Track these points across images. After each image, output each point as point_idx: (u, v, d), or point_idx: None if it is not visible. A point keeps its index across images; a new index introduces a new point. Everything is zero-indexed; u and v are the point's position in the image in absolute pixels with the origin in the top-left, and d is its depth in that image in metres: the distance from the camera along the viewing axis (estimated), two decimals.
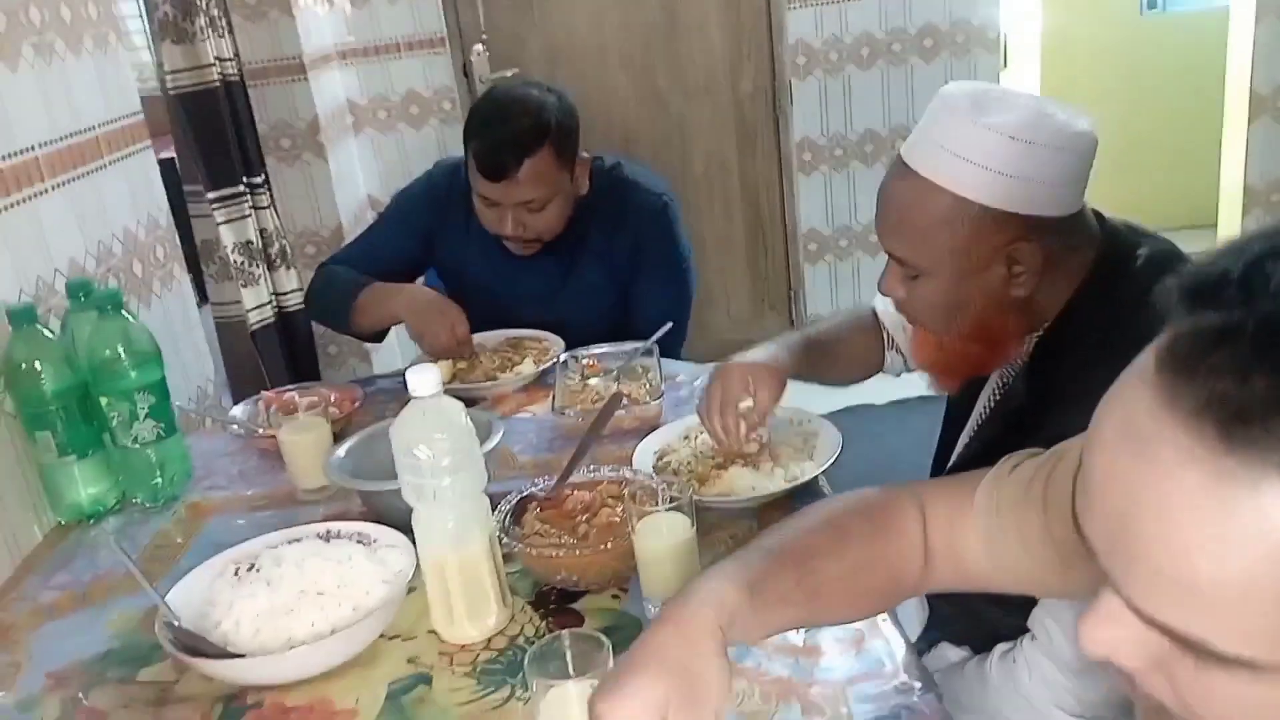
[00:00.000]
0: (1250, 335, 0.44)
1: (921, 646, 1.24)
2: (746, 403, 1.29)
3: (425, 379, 1.02)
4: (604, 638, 0.85)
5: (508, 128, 1.73)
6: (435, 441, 1.02)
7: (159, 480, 1.48)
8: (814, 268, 3.94)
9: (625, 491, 1.13)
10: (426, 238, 1.97)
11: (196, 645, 1.03)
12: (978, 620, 1.16)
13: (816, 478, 1.29)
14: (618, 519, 1.16)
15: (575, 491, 1.23)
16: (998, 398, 1.21)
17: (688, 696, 0.73)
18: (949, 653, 1.19)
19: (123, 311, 1.42)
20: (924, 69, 3.58)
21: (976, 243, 1.05)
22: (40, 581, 1.33)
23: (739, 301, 4.02)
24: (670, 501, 1.08)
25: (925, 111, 1.10)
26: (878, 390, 3.12)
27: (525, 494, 1.23)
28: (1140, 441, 0.48)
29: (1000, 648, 1.12)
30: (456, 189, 1.91)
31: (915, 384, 1.54)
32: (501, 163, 1.73)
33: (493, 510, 1.12)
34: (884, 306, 1.46)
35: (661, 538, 1.07)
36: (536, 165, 1.74)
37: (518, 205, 1.78)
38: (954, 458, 1.31)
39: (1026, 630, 1.10)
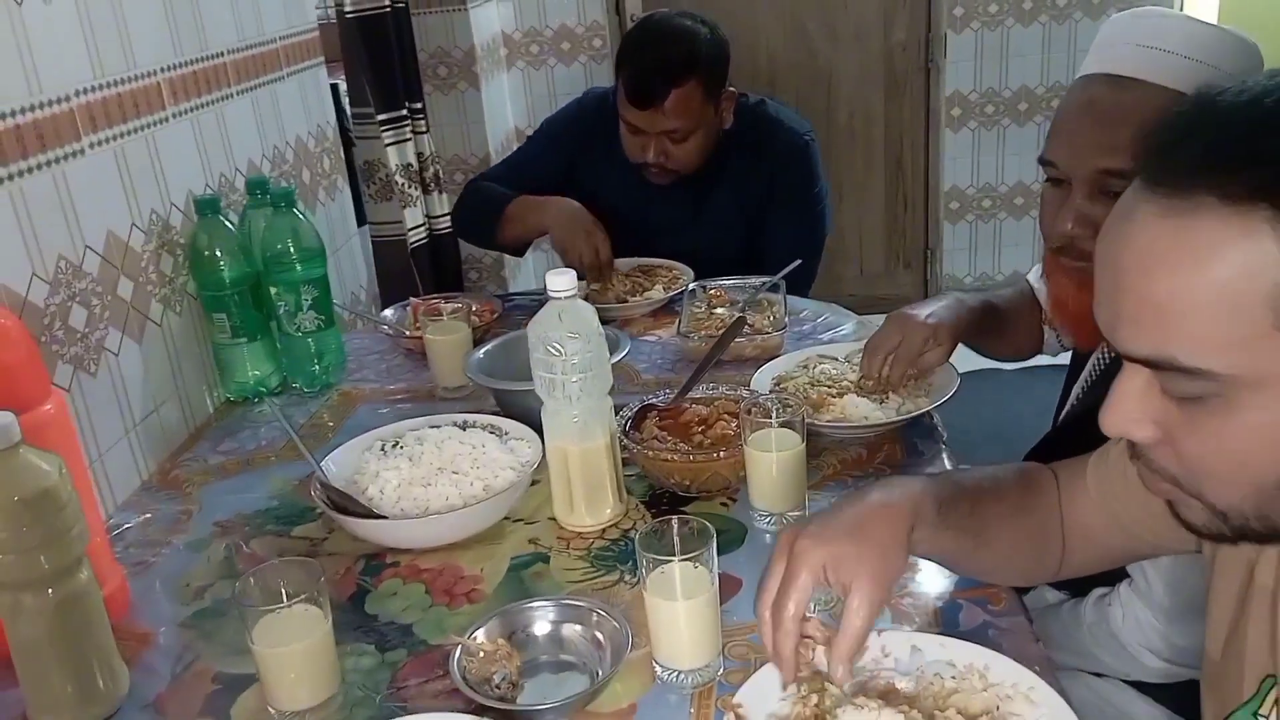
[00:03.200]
0: (1184, 112, 0.60)
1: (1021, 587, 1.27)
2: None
3: (564, 280, 1.10)
4: (709, 525, 0.91)
5: (658, 56, 1.78)
6: (568, 340, 1.10)
7: (316, 368, 1.61)
8: (954, 227, 3.88)
9: (741, 405, 1.19)
10: (570, 161, 2.04)
11: (346, 505, 1.15)
12: None
13: (930, 413, 1.32)
14: (732, 432, 1.23)
15: (693, 405, 1.30)
16: (1110, 357, 1.21)
17: (875, 567, 0.80)
18: (1048, 594, 1.22)
19: (294, 210, 1.54)
20: (1089, 26, 3.45)
21: None
22: (210, 447, 1.48)
23: (873, 256, 4.00)
24: (783, 418, 1.13)
25: (1098, 38, 1.10)
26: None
27: (646, 403, 1.31)
28: (1120, 215, 0.63)
29: (1097, 591, 1.14)
30: (604, 116, 1.97)
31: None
32: (649, 90, 1.78)
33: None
34: (1037, 281, 1.46)
35: (772, 451, 1.13)
36: (683, 95, 1.79)
37: (661, 134, 1.84)
38: (1061, 417, 1.32)
39: (1123, 578, 1.11)
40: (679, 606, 0.90)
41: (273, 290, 1.56)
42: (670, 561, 0.91)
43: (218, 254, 1.52)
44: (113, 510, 1.30)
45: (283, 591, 0.92)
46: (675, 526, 0.93)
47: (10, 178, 1.15)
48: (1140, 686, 1.12)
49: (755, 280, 1.75)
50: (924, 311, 1.34)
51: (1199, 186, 0.57)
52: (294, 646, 0.91)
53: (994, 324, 1.40)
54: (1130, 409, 0.63)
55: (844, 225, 3.75)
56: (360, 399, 1.60)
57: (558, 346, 1.11)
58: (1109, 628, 1.10)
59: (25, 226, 1.17)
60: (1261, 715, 0.73)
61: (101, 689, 0.94)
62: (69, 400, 1.21)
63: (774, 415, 1.13)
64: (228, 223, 1.53)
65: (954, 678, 0.84)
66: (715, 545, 0.91)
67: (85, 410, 1.27)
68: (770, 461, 1.13)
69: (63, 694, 0.92)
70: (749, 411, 1.15)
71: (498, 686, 0.92)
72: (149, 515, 1.30)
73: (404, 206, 2.98)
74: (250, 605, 0.91)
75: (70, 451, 1.01)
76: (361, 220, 2.90)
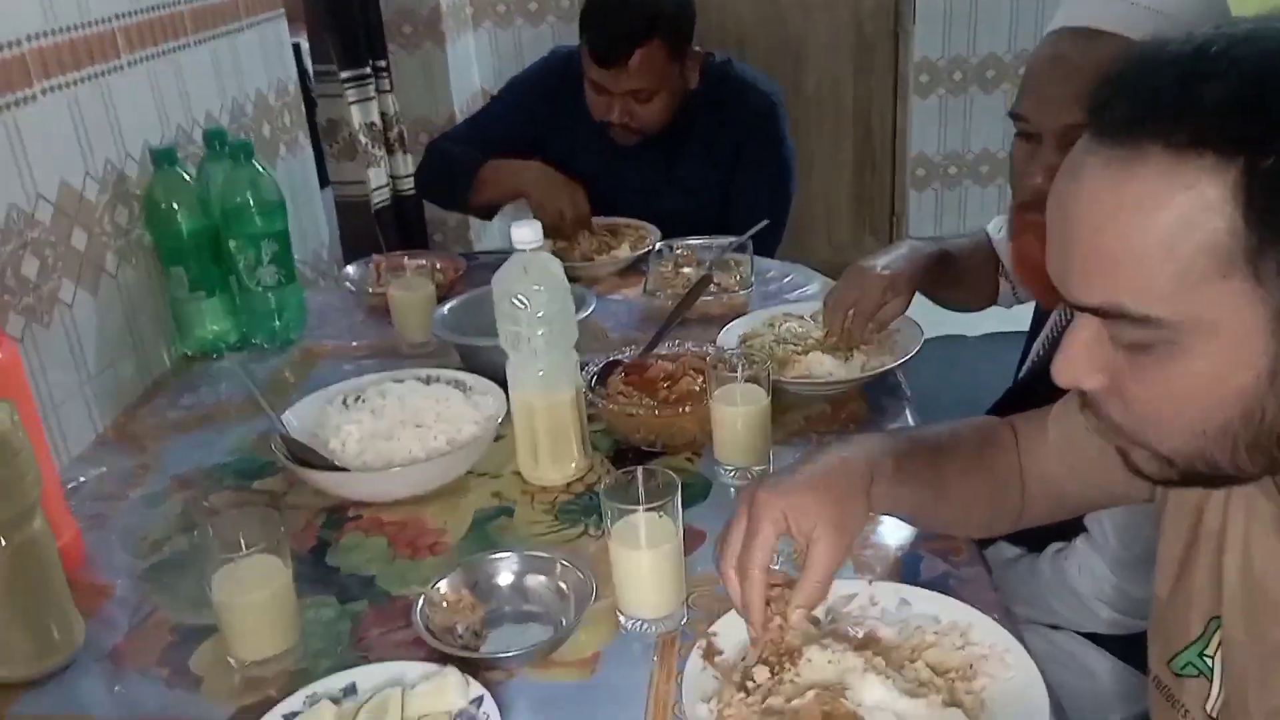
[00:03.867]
0: (1130, 63, 0.60)
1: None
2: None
3: (529, 233, 1.09)
4: (675, 476, 0.91)
5: (623, 15, 1.76)
6: (534, 293, 1.09)
7: (277, 323, 1.59)
8: (920, 194, 3.89)
9: (706, 361, 1.19)
10: (536, 122, 2.02)
11: (307, 458, 1.13)
12: None
13: (894, 370, 1.33)
14: (697, 388, 1.23)
15: (659, 361, 1.30)
16: (1069, 315, 1.21)
17: (836, 516, 0.81)
18: (1005, 549, 1.23)
19: (253, 162, 1.51)
20: None
21: None
22: (168, 402, 1.46)
23: (840, 224, 4.00)
24: (748, 373, 1.13)
25: None
26: (970, 322, 3.11)
27: (612, 359, 1.31)
28: (1068, 167, 0.64)
29: (1053, 546, 1.16)
30: (571, 76, 1.95)
31: (1008, 318, 1.53)
32: (613, 49, 1.77)
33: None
34: (995, 231, 1.46)
35: (737, 405, 1.13)
36: (647, 55, 1.77)
37: (626, 94, 1.82)
38: (1022, 373, 1.33)
39: (1079, 533, 1.13)
40: (643, 555, 0.90)
41: (232, 244, 1.53)
42: (635, 511, 0.90)
43: (174, 206, 1.48)
44: (67, 464, 1.28)
45: (242, 541, 0.91)
46: (641, 477, 0.93)
47: None
48: (1095, 638, 1.14)
49: (722, 240, 1.75)
50: (880, 263, 1.34)
51: (1142, 136, 0.57)
52: (254, 596, 0.90)
53: (950, 273, 1.40)
54: (1080, 358, 0.65)
55: (812, 192, 3.75)
56: (322, 355, 1.58)
57: (523, 299, 1.10)
58: (1065, 581, 1.12)
59: None
60: (1207, 656, 0.74)
61: (56, 639, 0.93)
62: (21, 351, 1.18)
63: (739, 370, 1.13)
64: (185, 174, 1.50)
65: (935, 633, 0.85)
66: (680, 496, 0.91)
67: (39, 362, 1.24)
68: (736, 416, 1.13)
69: (17, 644, 0.91)
70: (715, 366, 1.15)
71: (460, 636, 0.92)
72: (104, 469, 1.28)
73: (367, 166, 2.95)
74: (209, 554, 0.90)
75: (23, 401, 0.99)
76: (324, 180, 2.86)
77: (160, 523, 1.17)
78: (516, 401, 1.16)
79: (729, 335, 1.42)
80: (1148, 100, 0.57)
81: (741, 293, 1.59)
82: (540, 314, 1.11)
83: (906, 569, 1.00)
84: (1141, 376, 0.62)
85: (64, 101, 1.31)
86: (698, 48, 1.87)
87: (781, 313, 1.49)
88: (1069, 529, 1.11)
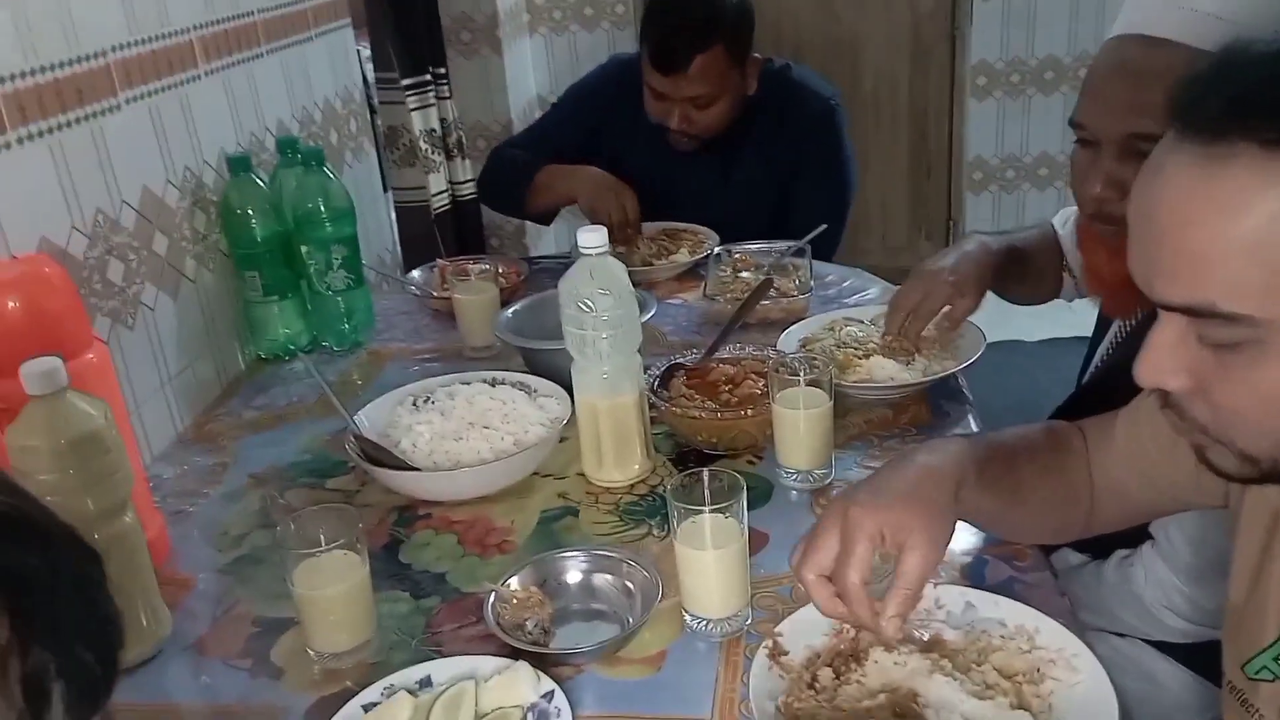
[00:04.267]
0: (1216, 62, 0.61)
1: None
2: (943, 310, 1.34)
3: (596, 237, 1.11)
4: (740, 478, 0.93)
5: (683, 21, 1.78)
6: (599, 297, 1.12)
7: (346, 326, 1.63)
8: (976, 198, 3.86)
9: (768, 364, 1.20)
10: (595, 129, 2.04)
11: (380, 457, 1.17)
12: None
13: (955, 375, 1.33)
14: (759, 391, 1.24)
15: (721, 365, 1.31)
16: (1133, 321, 1.20)
17: (931, 529, 0.81)
18: (1070, 556, 1.22)
19: (324, 169, 1.56)
20: None
21: None
22: (242, 402, 1.50)
23: (895, 227, 3.98)
24: (810, 376, 1.15)
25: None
26: (1029, 327, 3.08)
27: (674, 362, 1.32)
28: (1153, 166, 0.63)
29: (1119, 553, 1.15)
30: (628, 84, 1.97)
31: (1068, 323, 1.52)
32: (673, 56, 1.78)
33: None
34: (1061, 226, 1.45)
35: (799, 409, 1.14)
36: (707, 61, 1.79)
37: (685, 100, 1.84)
38: (1086, 377, 1.32)
39: (1146, 539, 1.12)
40: (709, 556, 0.92)
41: (303, 249, 1.57)
42: (701, 512, 0.92)
43: (249, 212, 1.53)
44: (150, 461, 1.33)
45: (321, 537, 0.94)
46: (706, 479, 0.94)
47: (50, 131, 1.16)
48: (1161, 646, 1.13)
49: (780, 244, 1.76)
50: (948, 264, 1.34)
51: (1233, 133, 0.57)
52: (332, 590, 0.93)
53: (1017, 268, 1.40)
54: (1165, 359, 0.64)
55: (867, 195, 3.73)
56: (389, 357, 1.62)
57: (589, 303, 1.12)
58: (1131, 588, 1.11)
59: (65, 180, 1.19)
60: None
61: (145, 628, 0.97)
62: (109, 351, 1.23)
63: (801, 374, 1.14)
64: (259, 181, 1.55)
65: (1002, 636, 0.86)
66: (745, 497, 0.92)
67: (124, 363, 1.29)
68: (797, 419, 1.14)
69: None
70: (777, 370, 1.16)
71: (530, 632, 0.94)
72: (185, 467, 1.32)
73: (427, 172, 2.99)
74: (290, 550, 0.94)
75: (113, 399, 1.03)
76: (385, 186, 2.91)
77: (239, 519, 1.21)
78: (581, 403, 1.18)
79: (789, 339, 1.43)
80: (1238, 98, 0.58)
81: (801, 297, 1.60)
82: (605, 317, 1.13)
83: (972, 573, 1.00)
84: (1229, 376, 0.62)
85: (145, 110, 1.36)
86: (756, 54, 1.88)
87: (842, 317, 1.49)
88: (1135, 536, 1.10)
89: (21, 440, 0.87)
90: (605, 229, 1.12)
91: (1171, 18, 1.03)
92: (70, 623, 0.38)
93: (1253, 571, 0.76)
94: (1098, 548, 1.18)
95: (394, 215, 3.20)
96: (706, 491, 0.94)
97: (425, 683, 0.88)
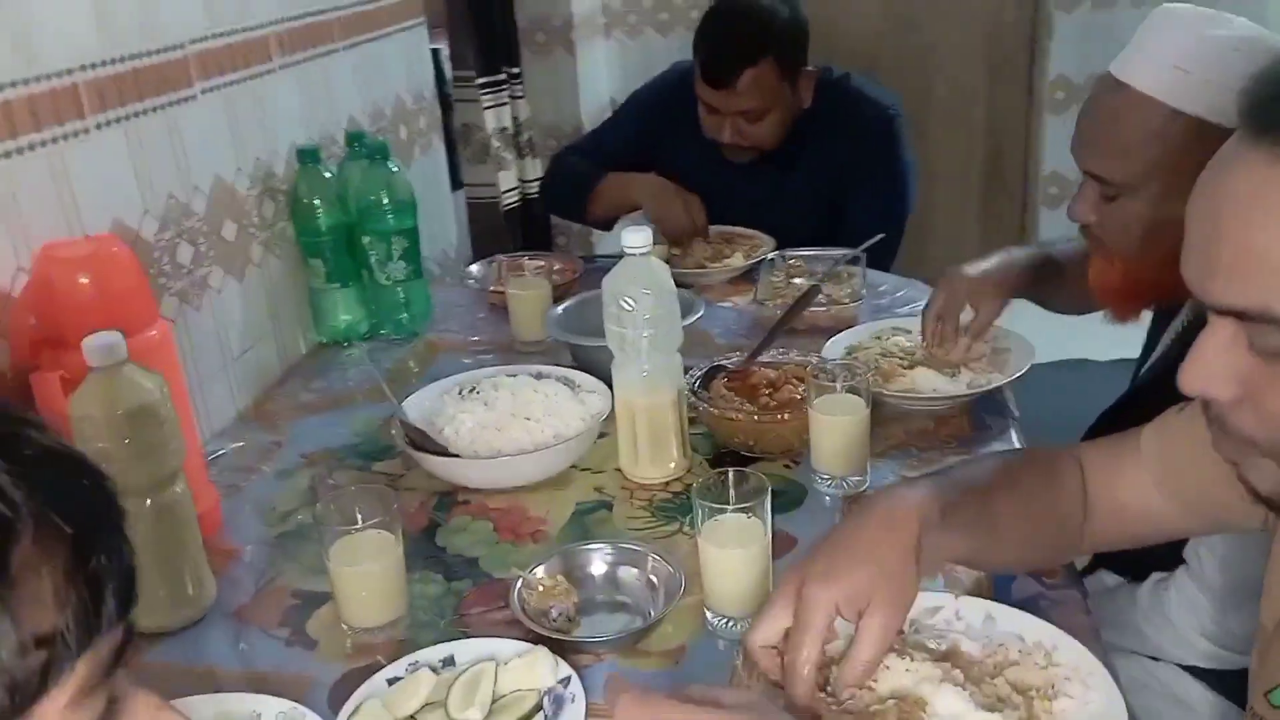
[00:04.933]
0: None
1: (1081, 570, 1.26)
2: (968, 315, 1.35)
3: (640, 237, 1.13)
4: (765, 479, 0.94)
5: (732, 36, 1.79)
6: (641, 296, 1.13)
7: (404, 316, 1.68)
8: (1052, 213, 3.78)
9: (808, 370, 1.21)
10: (653, 137, 2.06)
11: (423, 443, 1.20)
12: (1138, 551, 1.17)
13: (1001, 388, 1.32)
14: (798, 396, 1.25)
15: (763, 369, 1.32)
16: (1185, 323, 1.18)
17: (891, 593, 0.78)
18: (1106, 579, 1.21)
19: (388, 163, 1.60)
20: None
21: (1186, 158, 1.03)
22: (301, 385, 1.56)
23: (966, 241, 3.92)
24: (849, 383, 1.15)
25: (1140, 27, 1.09)
26: (1097, 348, 3.01)
27: (716, 363, 1.34)
28: (1218, 165, 0.61)
29: (1155, 576, 1.13)
30: (687, 92, 1.98)
31: (1138, 343, 1.49)
32: (722, 71, 1.80)
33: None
34: None
35: (836, 415, 1.15)
36: (757, 76, 1.80)
37: (736, 114, 1.85)
38: (1136, 381, 1.30)
39: (1180, 563, 1.11)
40: (731, 554, 0.93)
41: (365, 239, 1.62)
42: (725, 511, 0.93)
43: (316, 202, 1.58)
44: (209, 437, 1.39)
45: (358, 516, 0.97)
46: (732, 479, 0.95)
47: (127, 118, 1.22)
48: (1194, 671, 1.11)
49: (835, 252, 1.75)
50: (970, 270, 1.36)
51: None
52: (366, 567, 0.97)
53: (1052, 275, 1.39)
54: (1213, 365, 0.61)
55: (936, 207, 3.69)
56: (444, 348, 1.66)
57: (630, 301, 1.14)
58: (1164, 612, 1.09)
59: (139, 165, 1.25)
60: None
61: (191, 595, 1.02)
62: (174, 330, 1.29)
63: (839, 380, 1.15)
64: (326, 172, 1.60)
65: (1020, 651, 0.85)
66: (770, 499, 0.94)
67: (189, 343, 1.35)
68: (834, 425, 1.14)
69: (155, 597, 1.00)
70: (816, 375, 1.17)
71: (554, 620, 0.96)
72: (242, 443, 1.38)
73: (498, 170, 3.05)
74: (329, 526, 0.97)
75: (172, 375, 1.08)
76: (458, 182, 2.98)
77: (289, 495, 1.25)
78: (620, 400, 1.20)
79: (835, 346, 1.43)
80: None
81: (851, 305, 1.60)
82: (647, 316, 1.15)
83: (999, 587, 0.99)
84: None
85: (220, 101, 1.42)
86: (810, 66, 1.88)
87: (890, 326, 1.49)
88: (1171, 559, 1.09)
89: (81, 409, 0.92)
90: (650, 230, 1.14)
91: (1135, 62, 1.09)
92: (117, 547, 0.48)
93: None
94: (1135, 569, 1.16)
95: (466, 211, 3.28)
96: (732, 491, 0.95)
97: (448, 661, 0.91)
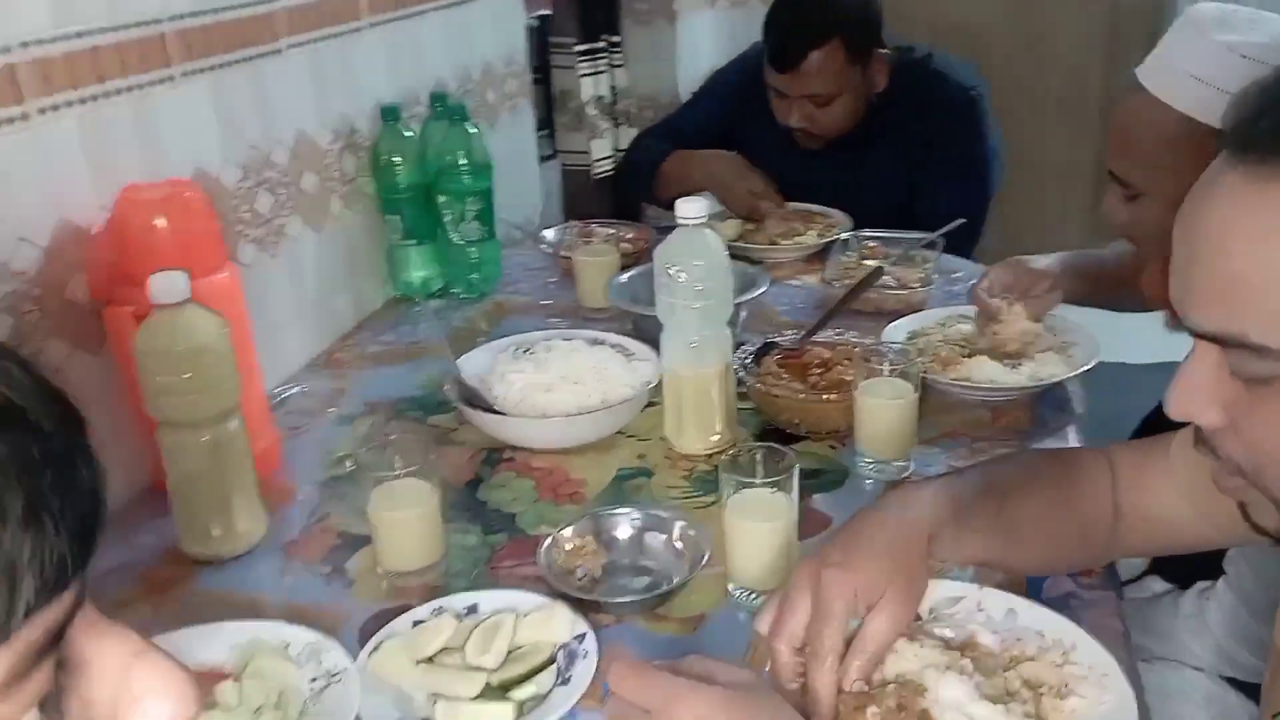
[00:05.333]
0: (1263, 88, 0.57)
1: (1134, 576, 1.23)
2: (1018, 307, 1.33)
3: (694, 207, 1.13)
4: (793, 455, 0.94)
5: (799, 17, 1.76)
6: (692, 267, 1.14)
7: (475, 275, 1.71)
8: None
9: (856, 351, 1.20)
10: (730, 118, 2.04)
11: (472, 399, 1.23)
12: (1190, 558, 1.13)
13: (1061, 383, 1.28)
14: (848, 377, 1.23)
15: (817, 348, 1.31)
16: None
17: (902, 588, 0.78)
18: (1155, 585, 1.18)
19: (466, 125, 1.63)
20: None
21: (1198, 167, 1.00)
22: (371, 336, 1.61)
23: (1069, 233, 3.78)
24: (896, 367, 1.13)
25: (1169, 29, 1.08)
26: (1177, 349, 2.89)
27: (770, 340, 1.33)
28: (1201, 185, 0.60)
29: (1199, 585, 1.10)
30: (762, 73, 1.96)
31: None
32: (788, 53, 1.77)
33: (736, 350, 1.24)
34: None
35: (881, 398, 1.13)
36: (824, 58, 1.77)
37: (803, 98, 1.82)
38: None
39: (1223, 573, 1.07)
40: (755, 528, 0.93)
41: (440, 199, 1.66)
42: (752, 485, 0.94)
43: (396, 159, 1.62)
44: (279, 380, 1.44)
45: (398, 464, 1.01)
46: (763, 454, 0.96)
47: (212, 69, 1.27)
48: (1234, 683, 1.07)
49: (913, 235, 1.72)
50: (1030, 258, 1.39)
51: None
52: (402, 513, 1.00)
53: (1104, 277, 1.40)
54: (1197, 391, 0.61)
55: (1040, 198, 3.57)
56: (511, 309, 1.69)
57: (681, 272, 1.14)
58: (1205, 622, 1.06)
59: (223, 115, 1.30)
60: None
61: (240, 528, 1.07)
62: (249, 276, 1.34)
63: (887, 363, 1.13)
64: (407, 132, 1.64)
65: (1039, 648, 0.84)
66: (797, 475, 0.94)
67: (264, 289, 1.40)
68: (878, 409, 1.13)
69: (207, 528, 1.05)
70: (866, 358, 1.15)
71: (579, 579, 0.98)
72: (309, 389, 1.43)
73: (592, 138, 3.07)
74: (370, 473, 1.01)
75: (237, 318, 1.13)
76: (554, 149, 3.00)
77: (347, 440, 1.30)
78: (667, 369, 1.21)
79: (896, 330, 1.41)
80: None
81: (920, 289, 1.57)
82: (698, 288, 1.15)
83: (1031, 583, 0.97)
84: (1261, 414, 0.58)
85: (306, 57, 1.46)
86: (884, 49, 1.84)
87: (957, 314, 1.46)
88: (1215, 568, 1.05)
89: (145, 344, 0.97)
90: (704, 200, 1.14)
91: (1153, 64, 1.10)
92: (45, 507, 0.37)
93: None
94: (1183, 578, 1.13)
95: (559, 177, 3.31)
96: (760, 466, 0.95)
97: (472, 609, 0.94)
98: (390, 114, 1.61)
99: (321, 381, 1.46)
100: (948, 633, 0.86)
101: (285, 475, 1.23)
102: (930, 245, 1.69)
